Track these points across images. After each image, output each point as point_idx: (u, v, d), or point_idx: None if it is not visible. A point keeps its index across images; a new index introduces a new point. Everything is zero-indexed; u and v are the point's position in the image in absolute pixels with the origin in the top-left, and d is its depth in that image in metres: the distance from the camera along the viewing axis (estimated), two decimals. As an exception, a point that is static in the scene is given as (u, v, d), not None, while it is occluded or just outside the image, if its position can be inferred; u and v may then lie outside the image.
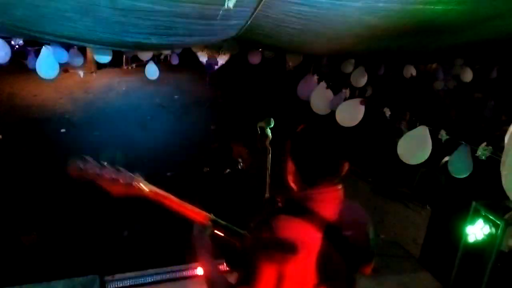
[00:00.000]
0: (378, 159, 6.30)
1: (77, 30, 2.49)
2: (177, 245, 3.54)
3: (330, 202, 1.37)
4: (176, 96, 10.75)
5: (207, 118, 8.87)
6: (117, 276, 3.47)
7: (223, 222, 1.59)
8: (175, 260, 3.64)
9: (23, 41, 4.35)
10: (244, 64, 7.31)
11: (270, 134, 2.68)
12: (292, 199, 1.41)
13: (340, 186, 1.40)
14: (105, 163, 1.52)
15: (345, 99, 4.12)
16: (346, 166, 1.39)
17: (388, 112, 3.76)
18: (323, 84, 4.31)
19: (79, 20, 2.27)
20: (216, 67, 7.34)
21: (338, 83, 4.51)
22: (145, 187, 1.53)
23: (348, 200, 1.44)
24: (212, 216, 1.58)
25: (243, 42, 3.41)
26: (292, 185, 1.43)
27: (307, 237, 1.29)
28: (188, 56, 9.00)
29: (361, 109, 3.85)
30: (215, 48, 5.96)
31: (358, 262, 1.43)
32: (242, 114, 8.74)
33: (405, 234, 4.95)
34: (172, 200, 1.57)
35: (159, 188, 1.56)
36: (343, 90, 4.26)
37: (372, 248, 1.51)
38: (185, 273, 3.60)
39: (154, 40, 2.72)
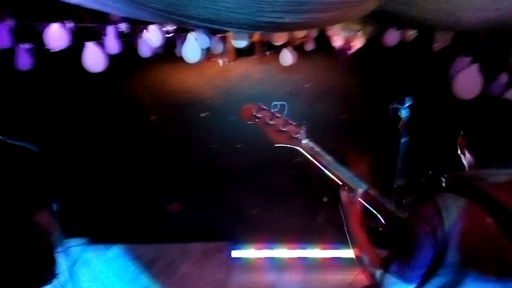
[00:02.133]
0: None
1: (218, 12, 2.65)
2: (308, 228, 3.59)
3: (504, 185, 1.20)
4: (306, 85, 10.77)
5: (337, 108, 8.67)
6: (245, 246, 3.72)
7: (374, 193, 1.53)
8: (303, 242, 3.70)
9: (174, 29, 4.88)
10: (382, 49, 6.90)
11: (405, 115, 2.47)
12: (460, 178, 1.27)
13: None
14: (278, 114, 1.62)
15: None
16: None
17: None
18: (475, 66, 3.84)
19: (220, 1, 2.42)
20: (349, 52, 7.07)
21: (496, 67, 3.98)
22: (308, 144, 1.60)
23: None
24: (365, 185, 1.54)
25: (383, 18, 3.20)
26: (465, 163, 1.31)
27: (475, 220, 1.16)
28: (322, 42, 8.93)
29: None
30: (351, 30, 5.76)
31: None
32: (377, 104, 8.31)
33: None
34: (328, 162, 1.57)
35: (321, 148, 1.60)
36: (500, 75, 3.77)
37: None
38: (311, 256, 3.64)
39: (287, 18, 2.74)
